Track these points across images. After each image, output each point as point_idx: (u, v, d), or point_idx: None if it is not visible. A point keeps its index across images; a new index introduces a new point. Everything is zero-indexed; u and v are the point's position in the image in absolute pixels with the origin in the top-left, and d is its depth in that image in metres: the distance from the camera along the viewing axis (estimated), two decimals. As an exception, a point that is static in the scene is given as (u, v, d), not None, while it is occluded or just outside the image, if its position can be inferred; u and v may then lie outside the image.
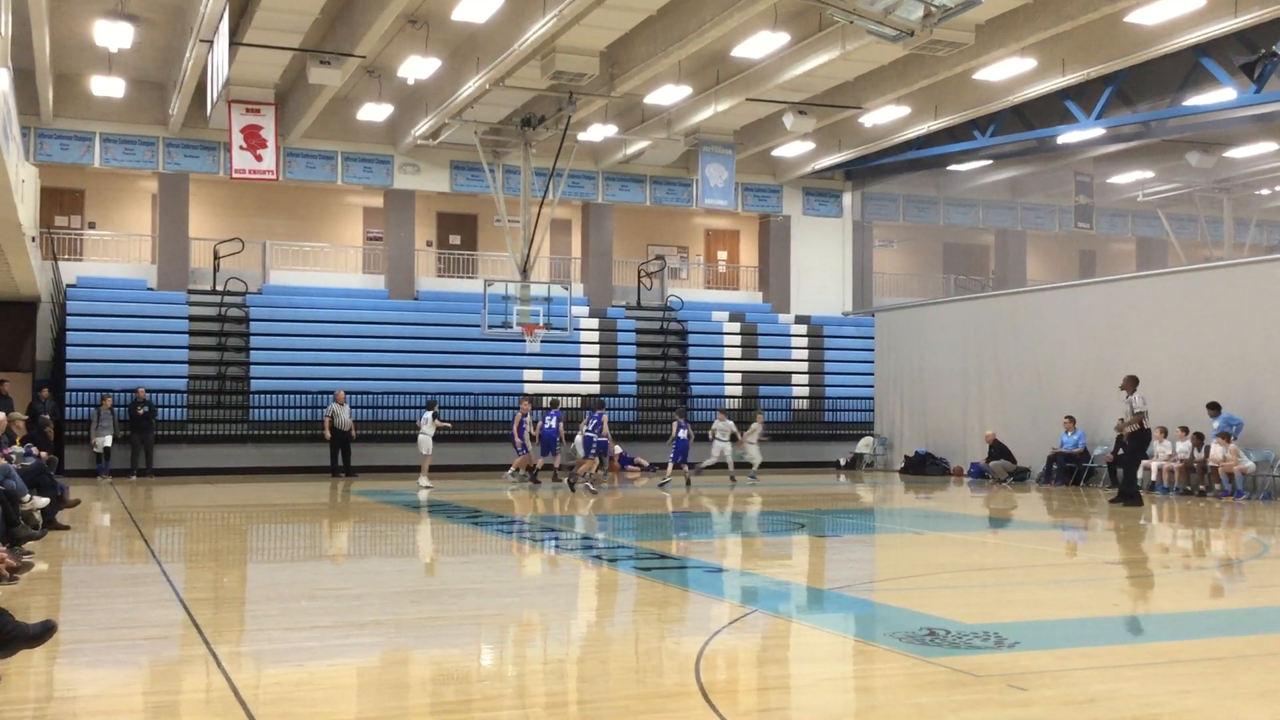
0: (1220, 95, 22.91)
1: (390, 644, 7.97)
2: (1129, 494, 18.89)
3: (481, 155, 27.25)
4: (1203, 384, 21.27)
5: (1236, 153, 30.45)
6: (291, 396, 27.30)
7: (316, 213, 31.82)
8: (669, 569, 11.74)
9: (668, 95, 25.67)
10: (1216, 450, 20.58)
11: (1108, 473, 23.21)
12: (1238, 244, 35.63)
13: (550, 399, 24.66)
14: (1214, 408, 20.67)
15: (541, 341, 27.10)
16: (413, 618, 8.93)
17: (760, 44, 22.31)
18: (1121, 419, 19.00)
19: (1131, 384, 18.90)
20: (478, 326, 27.30)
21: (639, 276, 33.01)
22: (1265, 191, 35.84)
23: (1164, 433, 21.87)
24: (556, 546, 14.10)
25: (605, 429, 21.71)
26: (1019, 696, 6.30)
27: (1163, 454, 21.81)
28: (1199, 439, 21.03)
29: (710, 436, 24.50)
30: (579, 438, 22.02)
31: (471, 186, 30.93)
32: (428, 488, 21.63)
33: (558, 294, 27.41)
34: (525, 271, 26.92)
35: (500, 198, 27.68)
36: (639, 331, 31.55)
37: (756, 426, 25.42)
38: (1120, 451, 19.34)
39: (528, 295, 26.71)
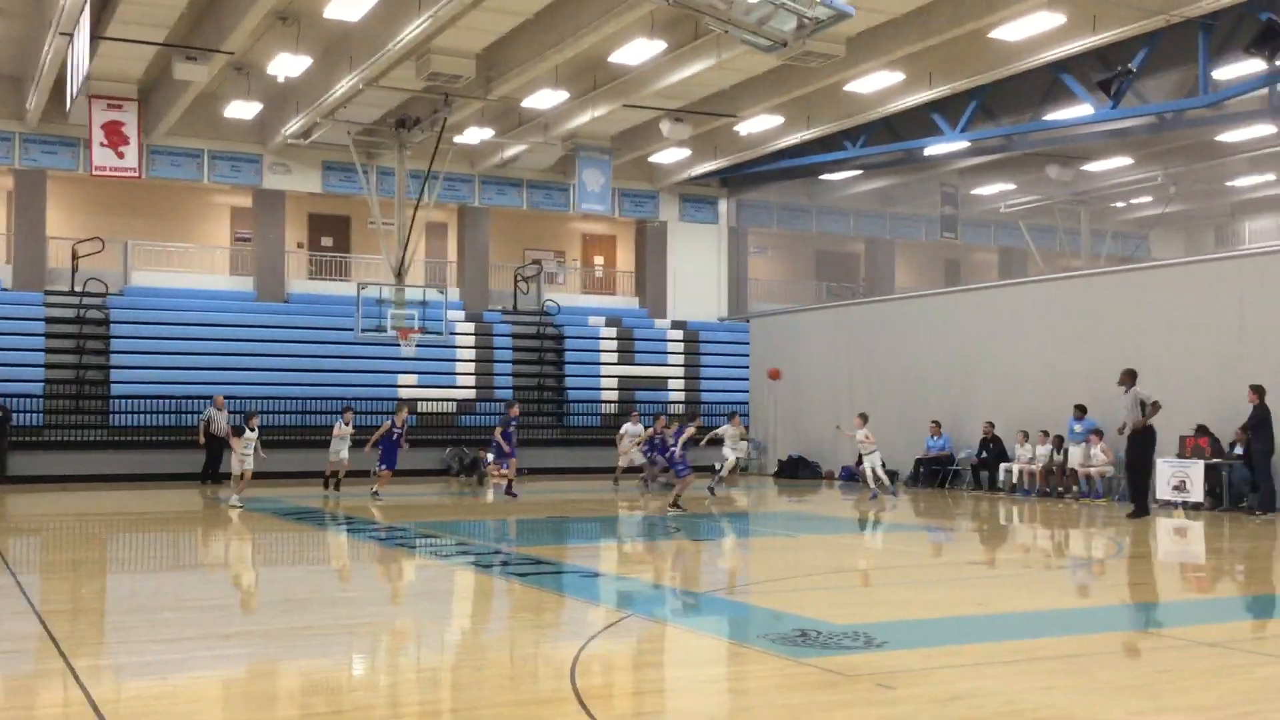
0: (1079, 110, 23.77)
1: (258, 655, 7.78)
2: (1140, 504, 17.51)
3: (354, 156, 26.80)
4: (1062, 389, 22.03)
5: (1094, 166, 31.63)
6: (155, 401, 26.47)
7: (181, 212, 30.91)
8: (545, 574, 11.69)
9: (545, 99, 25.61)
10: (1076, 453, 21.34)
11: (971, 475, 23.91)
12: (1094, 254, 36.99)
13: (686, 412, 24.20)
14: (1080, 409, 21.41)
15: (416, 345, 26.76)
16: (281, 627, 8.72)
17: (637, 51, 22.41)
18: (1125, 422, 17.51)
19: (1130, 378, 17.53)
20: (351, 330, 26.84)
21: (516, 281, 32.85)
22: (1120, 204, 37.30)
23: (1024, 436, 22.60)
24: (432, 553, 13.93)
25: (675, 441, 19.64)
26: (887, 695, 6.43)
27: (1023, 457, 22.54)
28: (1059, 442, 21.78)
29: (721, 442, 22.76)
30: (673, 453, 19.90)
31: (344, 188, 30.40)
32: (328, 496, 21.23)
33: (433, 298, 27.13)
34: (400, 275, 26.57)
35: (374, 200, 27.27)
36: (515, 336, 31.40)
37: (730, 429, 23.40)
38: (1129, 455, 17.88)
39: (402, 299, 26.37)
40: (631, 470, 24.45)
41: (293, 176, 30.08)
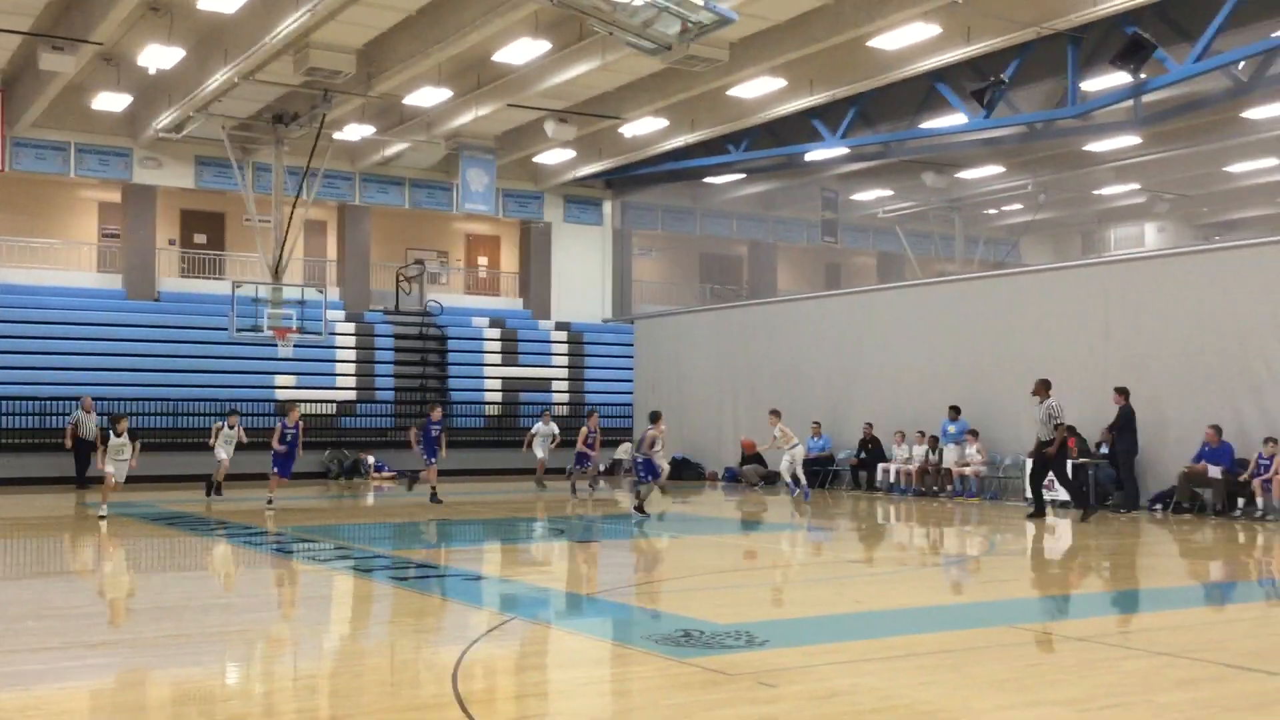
0: (953, 119, 24.36)
1: (127, 664, 7.53)
2: (1083, 503, 17.53)
3: (229, 151, 26.15)
4: (938, 391, 22.56)
5: (967, 174, 32.46)
6: (20, 403, 25.47)
7: (47, 207, 29.77)
8: (427, 578, 11.55)
9: (428, 97, 25.32)
10: (951, 453, 21.88)
11: (851, 475, 24.32)
12: (968, 259, 37.98)
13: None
14: (955, 410, 21.94)
15: (294, 346, 26.23)
16: (152, 636, 8.45)
17: (521, 50, 22.30)
18: (1040, 436, 17.25)
19: (1045, 389, 17.32)
20: (225, 330, 26.18)
21: (398, 281, 32.42)
22: (993, 211, 38.36)
23: (901, 437, 23.09)
24: (310, 557, 13.65)
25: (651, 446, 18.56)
26: (768, 693, 6.50)
27: (900, 457, 23.03)
28: (934, 442, 22.31)
29: (777, 447, 21.61)
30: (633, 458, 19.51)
31: (219, 183, 29.62)
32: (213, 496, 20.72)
33: (312, 297, 26.60)
34: (277, 273, 26.00)
35: (250, 196, 26.63)
36: (397, 336, 30.99)
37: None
38: (1043, 466, 17.55)
39: (279, 298, 25.80)
40: (548, 470, 24.35)
41: (164, 171, 29.22)
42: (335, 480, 26.91)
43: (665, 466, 20.06)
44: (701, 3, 14.30)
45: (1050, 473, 17.68)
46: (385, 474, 27.45)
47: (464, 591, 10.89)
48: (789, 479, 21.12)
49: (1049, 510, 18.14)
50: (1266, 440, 17.39)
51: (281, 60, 21.66)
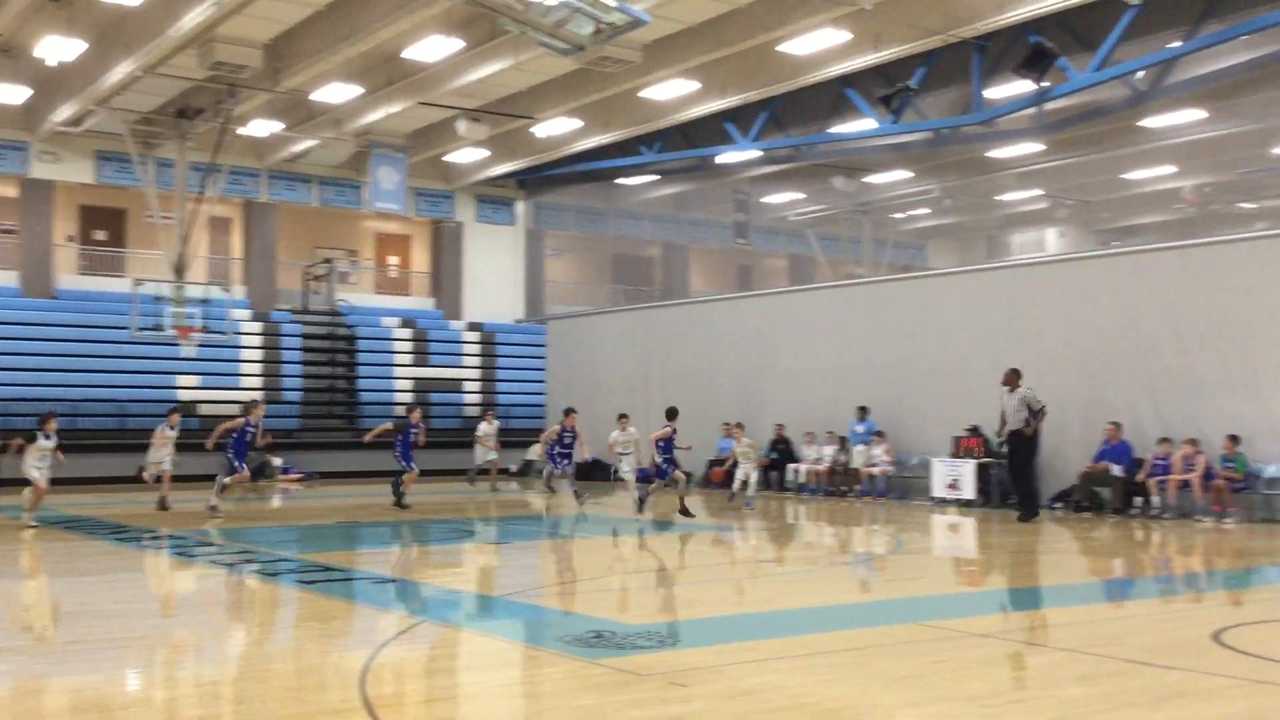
0: (863, 124, 24.68)
1: (22, 672, 7.29)
2: (1029, 505, 17.31)
3: (131, 146, 25.54)
4: (847, 391, 22.84)
5: (876, 178, 32.95)
6: (-95, 404, 24.58)
7: (-62, 201, 28.83)
8: (334, 581, 11.38)
9: (337, 93, 24.97)
10: (859, 453, 22.16)
11: (762, 475, 24.51)
12: (876, 262, 38.56)
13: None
14: (863, 411, 22.23)
15: (198, 345, 25.69)
16: (49, 643, 8.20)
17: (433, 48, 22.10)
18: (1005, 424, 17.22)
19: (1015, 378, 17.19)
20: (126, 329, 25.54)
21: (305, 279, 31.92)
22: (900, 215, 38.99)
23: (811, 437, 23.34)
24: (212, 562, 13.36)
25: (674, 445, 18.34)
26: (679, 693, 6.51)
27: (810, 457, 23.27)
28: (844, 442, 22.58)
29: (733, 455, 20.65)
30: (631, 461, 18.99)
31: (120, 179, 28.89)
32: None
33: (216, 296, 26.11)
34: (180, 271, 25.45)
35: (153, 192, 26.03)
36: (305, 336, 30.53)
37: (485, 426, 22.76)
38: (1011, 458, 17.49)
39: (182, 296, 25.27)
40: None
41: (63, 166, 28.42)
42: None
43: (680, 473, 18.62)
44: (614, 4, 14.30)
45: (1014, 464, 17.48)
46: (292, 476, 27.02)
47: (373, 595, 10.75)
48: (737, 486, 19.95)
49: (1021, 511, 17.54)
50: (1161, 440, 17.90)
51: (186, 54, 21.22)
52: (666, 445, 18.18)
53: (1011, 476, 17.84)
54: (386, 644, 8.08)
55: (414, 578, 12.23)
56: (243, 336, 29.00)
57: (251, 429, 18.43)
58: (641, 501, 18.26)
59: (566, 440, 20.18)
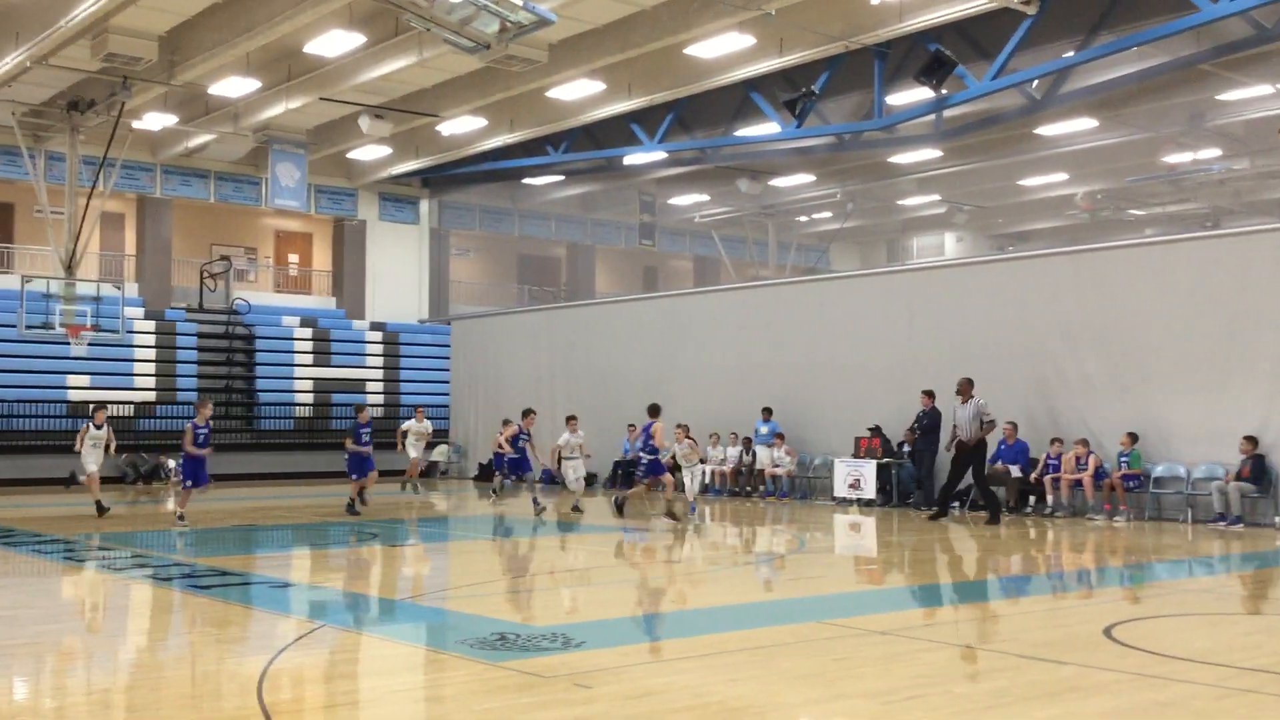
0: (767, 128, 24.93)
1: (-104, 686, 7.00)
2: (992, 505, 17.25)
3: (20, 139, 24.72)
4: (751, 392, 23.04)
5: (780, 182, 33.27)
6: None
7: None
8: (230, 586, 11.14)
9: (235, 87, 24.45)
10: (764, 454, 22.35)
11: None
12: (780, 265, 38.93)
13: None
14: (767, 412, 22.43)
15: (89, 344, 24.95)
16: (-74, 654, 7.89)
17: (334, 42, 21.75)
18: (954, 434, 17.18)
19: (970, 387, 17.16)
20: (13, 327, 24.71)
21: (202, 277, 31.22)
22: (804, 218, 39.42)
23: (716, 438, 23.48)
24: (104, 566, 13.00)
25: (659, 441, 17.41)
26: (583, 694, 6.50)
27: (715, 458, 23.42)
28: (748, 443, 22.76)
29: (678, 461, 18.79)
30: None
31: (7, 172, 27.93)
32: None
33: (108, 293, 25.39)
34: (70, 268, 24.70)
35: (42, 186, 25.23)
36: (201, 335, 29.86)
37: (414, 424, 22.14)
38: (963, 465, 17.31)
39: (73, 294, 24.51)
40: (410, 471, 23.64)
41: (-53, 158, 27.43)
42: (133, 485, 25.71)
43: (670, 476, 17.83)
44: (520, 3, 14.26)
45: (967, 472, 17.38)
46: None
47: (271, 599, 10.55)
48: (693, 497, 18.18)
49: (942, 511, 17.94)
50: (1053, 440, 18.38)
51: (78, 45, 20.59)
52: (650, 445, 17.34)
53: (977, 482, 17.58)
54: (285, 649, 7.93)
55: (314, 581, 12.03)
56: (136, 335, 28.27)
57: (202, 430, 16.62)
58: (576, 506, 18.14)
59: (520, 444, 19.28)
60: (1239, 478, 16.48)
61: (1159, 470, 17.71)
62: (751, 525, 18.09)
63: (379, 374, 31.82)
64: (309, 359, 30.97)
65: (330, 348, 31.42)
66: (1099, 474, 17.82)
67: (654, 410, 17.65)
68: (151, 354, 28.72)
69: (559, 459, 19.02)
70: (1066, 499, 18.13)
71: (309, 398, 30.27)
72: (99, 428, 16.76)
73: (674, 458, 18.78)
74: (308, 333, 31.34)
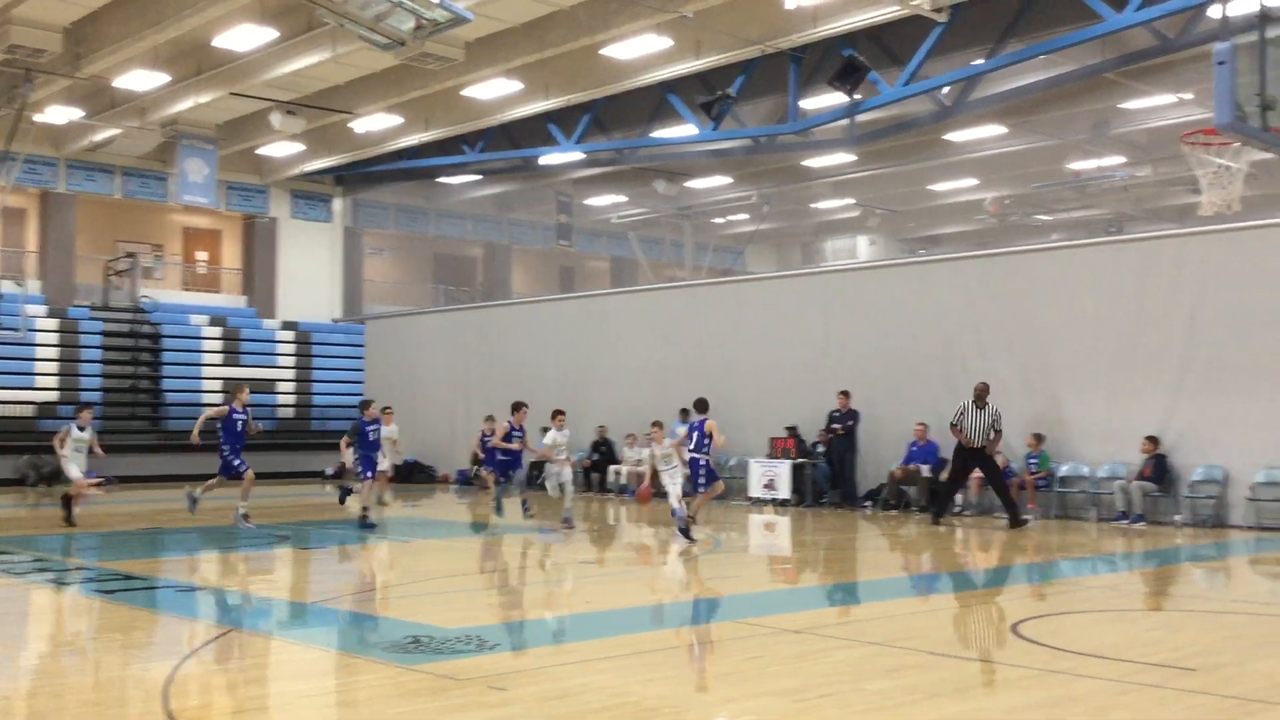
0: (684, 130, 25.04)
1: None
2: (1012, 509, 16.44)
3: (-84, 130, 23.93)
4: (668, 393, 23.07)
5: (697, 183, 33.44)
6: None
7: None
8: (136, 590, 10.89)
9: (142, 81, 23.91)
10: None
11: (583, 476, 24.57)
12: (697, 266, 39.12)
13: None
14: (685, 413, 22.47)
15: (-12, 343, 24.24)
16: None
17: (245, 37, 21.38)
18: (968, 436, 16.43)
19: (986, 392, 16.61)
20: (-93, 324, 23.94)
21: (107, 274, 30.47)
22: (720, 220, 39.67)
23: (633, 439, 23.51)
24: (3, 570, 12.62)
25: (719, 441, 14.73)
26: (498, 697, 6.46)
27: (632, 459, 23.44)
28: (662, 444, 22.80)
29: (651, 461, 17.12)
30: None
31: (-98, 165, 27.03)
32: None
33: (8, 290, 24.71)
34: (-31, 264, 23.97)
35: (-61, 180, 24.44)
36: (106, 334, 29.15)
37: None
38: (964, 469, 16.85)
39: (-29, 291, 23.80)
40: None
41: None
42: (33, 488, 25.00)
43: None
44: (436, 0, 14.13)
45: (968, 476, 16.99)
46: (91, 480, 25.65)
47: (178, 604, 10.33)
48: (676, 503, 14.90)
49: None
50: (963, 441, 18.71)
51: (-23, 34, 20.00)
52: (705, 445, 14.53)
53: (995, 488, 16.81)
54: (192, 654, 7.77)
55: (223, 585, 11.81)
56: (38, 334, 27.51)
57: (240, 415, 15.79)
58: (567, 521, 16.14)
59: (513, 440, 16.46)
60: (1141, 477, 16.93)
61: (1064, 470, 18.13)
62: (668, 526, 18.14)
63: (290, 374, 31.34)
64: (218, 358, 30.41)
65: (240, 347, 30.88)
66: (1007, 473, 18.17)
67: (702, 406, 14.91)
68: (54, 353, 27.98)
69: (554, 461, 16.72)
70: (976, 498, 18.47)
71: (217, 398, 29.66)
72: (82, 429, 15.51)
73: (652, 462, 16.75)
74: (216, 332, 30.77)
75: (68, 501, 16.63)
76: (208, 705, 6.67)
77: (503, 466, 16.93)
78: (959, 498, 18.56)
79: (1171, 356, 17.13)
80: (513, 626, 8.98)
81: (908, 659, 7.63)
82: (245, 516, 15.92)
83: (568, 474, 16.67)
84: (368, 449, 16.69)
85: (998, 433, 16.55)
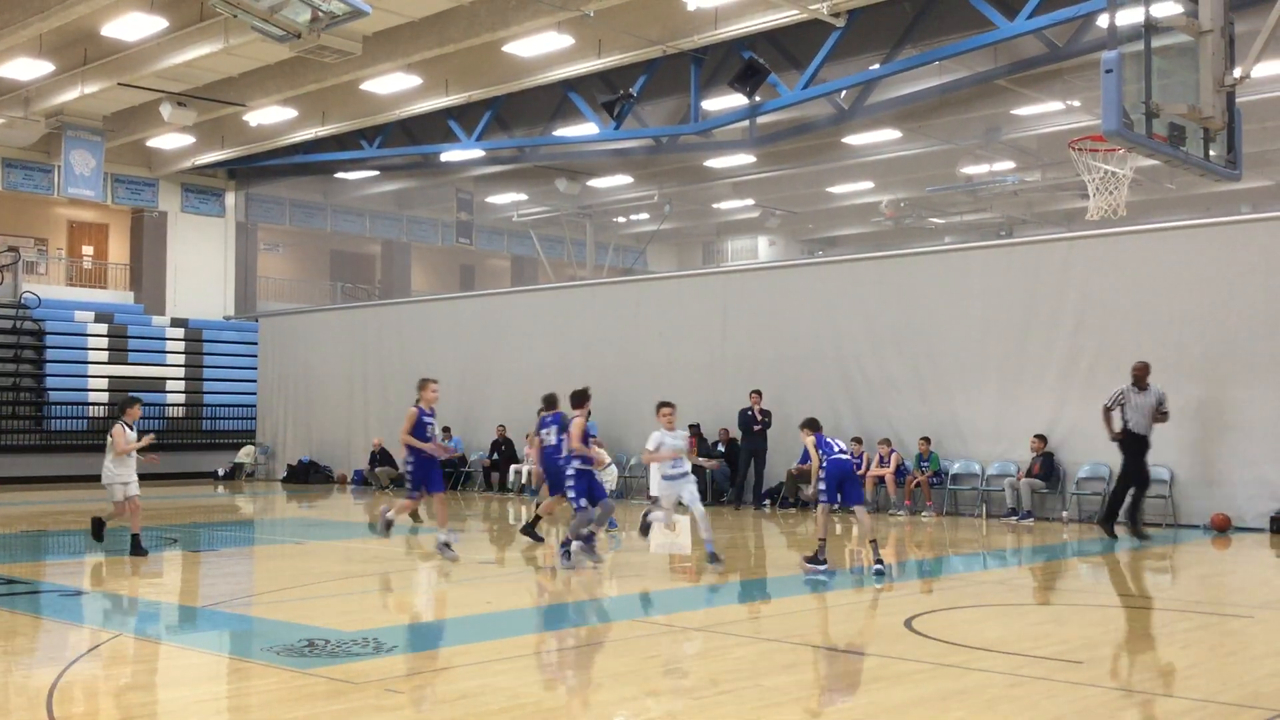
0: (585, 128, 25.01)
1: None
2: (1116, 506, 14.94)
3: None
4: (569, 392, 23.01)
5: (598, 182, 33.45)
6: None
7: None
8: (17, 595, 10.52)
9: (25, 70, 23.15)
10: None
11: (484, 476, 24.41)
12: (598, 265, 39.14)
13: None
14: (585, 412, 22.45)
15: None
16: None
17: (134, 26, 20.81)
18: (1125, 426, 14.47)
19: (1146, 373, 14.55)
20: None
21: (-13, 269, 29.46)
22: (622, 219, 39.74)
23: (532, 437, 23.42)
24: (-127, 578, 12.10)
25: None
26: (395, 699, 6.38)
27: (532, 458, 23.34)
28: (563, 443, 22.76)
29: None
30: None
31: None
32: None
33: (-119, 285, 23.69)
34: None
35: None
36: (-14, 331, 28.17)
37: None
38: (1135, 460, 14.52)
39: None
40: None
41: None
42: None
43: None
44: (334, -8, 13.92)
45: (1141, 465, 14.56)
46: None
47: (62, 608, 10.00)
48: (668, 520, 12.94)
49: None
50: (853, 439, 19.00)
51: None
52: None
53: (1134, 485, 14.62)
54: (77, 660, 7.54)
55: (109, 589, 11.47)
56: (-88, 330, 26.48)
57: (430, 419, 12.93)
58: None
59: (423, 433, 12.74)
60: (1030, 474, 17.38)
61: (955, 467, 18.52)
62: (567, 525, 18.09)
63: (180, 372, 30.61)
64: (104, 356, 29.56)
65: (127, 344, 30.07)
66: (900, 471, 18.53)
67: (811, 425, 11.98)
68: (-71, 350, 26.96)
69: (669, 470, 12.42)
70: (870, 495, 18.77)
71: (104, 397, 28.86)
72: (131, 427, 12.76)
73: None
74: (103, 329, 29.91)
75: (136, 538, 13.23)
76: (94, 712, 6.47)
77: (582, 484, 11.90)
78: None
79: (1059, 356, 17.61)
80: (411, 628, 8.87)
81: (804, 655, 7.72)
82: (447, 545, 12.76)
83: (688, 493, 12.03)
84: (422, 465, 12.82)
85: (1163, 415, 14.52)
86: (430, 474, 12.88)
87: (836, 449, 11.71)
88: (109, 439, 12.91)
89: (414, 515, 15.54)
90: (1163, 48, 9.50)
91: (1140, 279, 17.04)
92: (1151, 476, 15.06)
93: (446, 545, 12.87)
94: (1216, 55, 9.81)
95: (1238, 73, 9.91)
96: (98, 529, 13.37)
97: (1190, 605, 10.05)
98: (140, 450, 13.05)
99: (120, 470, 12.86)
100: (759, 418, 19.83)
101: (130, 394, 14.21)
